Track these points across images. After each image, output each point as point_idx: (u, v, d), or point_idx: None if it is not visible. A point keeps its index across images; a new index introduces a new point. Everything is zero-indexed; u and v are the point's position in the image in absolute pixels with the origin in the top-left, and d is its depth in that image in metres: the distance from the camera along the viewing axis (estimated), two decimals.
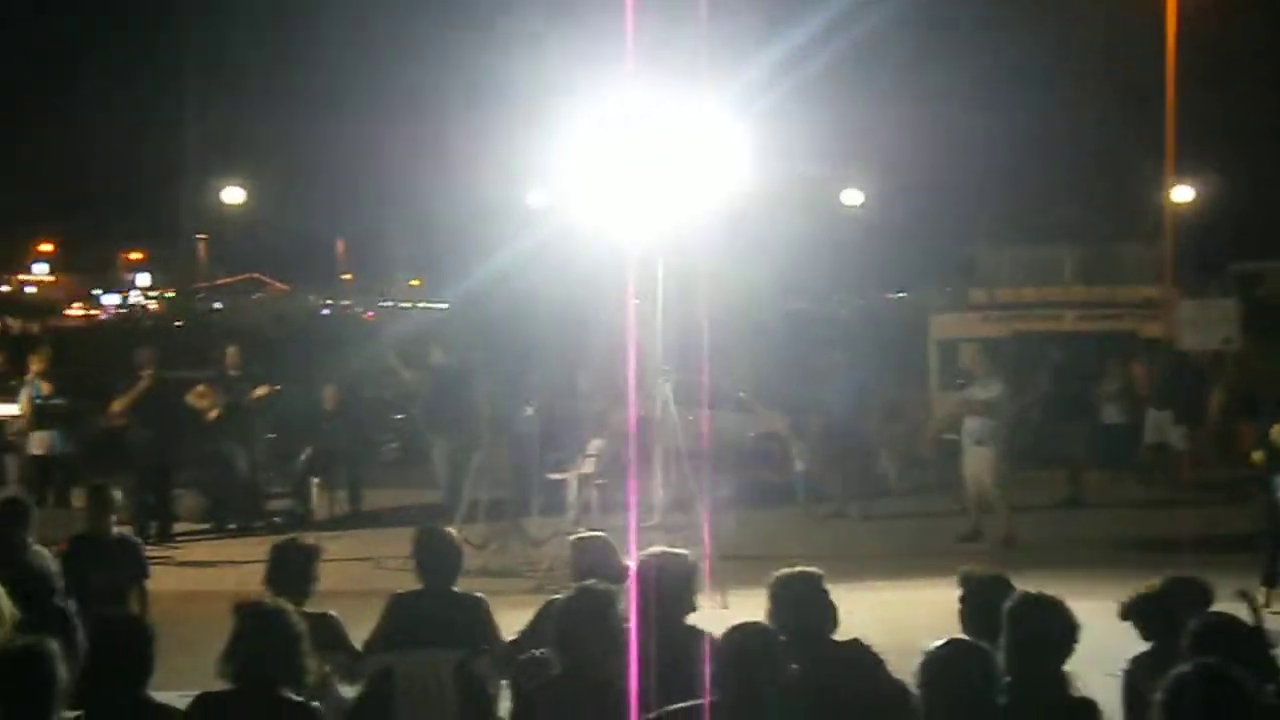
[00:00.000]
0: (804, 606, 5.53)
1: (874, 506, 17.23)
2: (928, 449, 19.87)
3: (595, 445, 17.01)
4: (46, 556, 8.10)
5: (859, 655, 5.61)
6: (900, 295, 45.74)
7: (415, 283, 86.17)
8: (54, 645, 4.84)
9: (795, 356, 23.45)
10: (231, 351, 16.68)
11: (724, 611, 10.46)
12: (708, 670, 4.87)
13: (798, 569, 5.66)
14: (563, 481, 16.69)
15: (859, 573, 12.19)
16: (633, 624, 5.40)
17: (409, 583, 8.85)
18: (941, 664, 4.59)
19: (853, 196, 37.67)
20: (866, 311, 40.87)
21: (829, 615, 5.63)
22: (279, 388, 17.18)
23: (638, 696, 5.03)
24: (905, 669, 5.54)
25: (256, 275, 77.18)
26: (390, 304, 74.76)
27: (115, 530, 9.19)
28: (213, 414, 15.97)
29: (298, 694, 5.14)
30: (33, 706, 4.73)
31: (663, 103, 12.07)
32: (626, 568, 6.63)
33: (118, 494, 9.27)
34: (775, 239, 25.58)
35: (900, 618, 10.61)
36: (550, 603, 5.99)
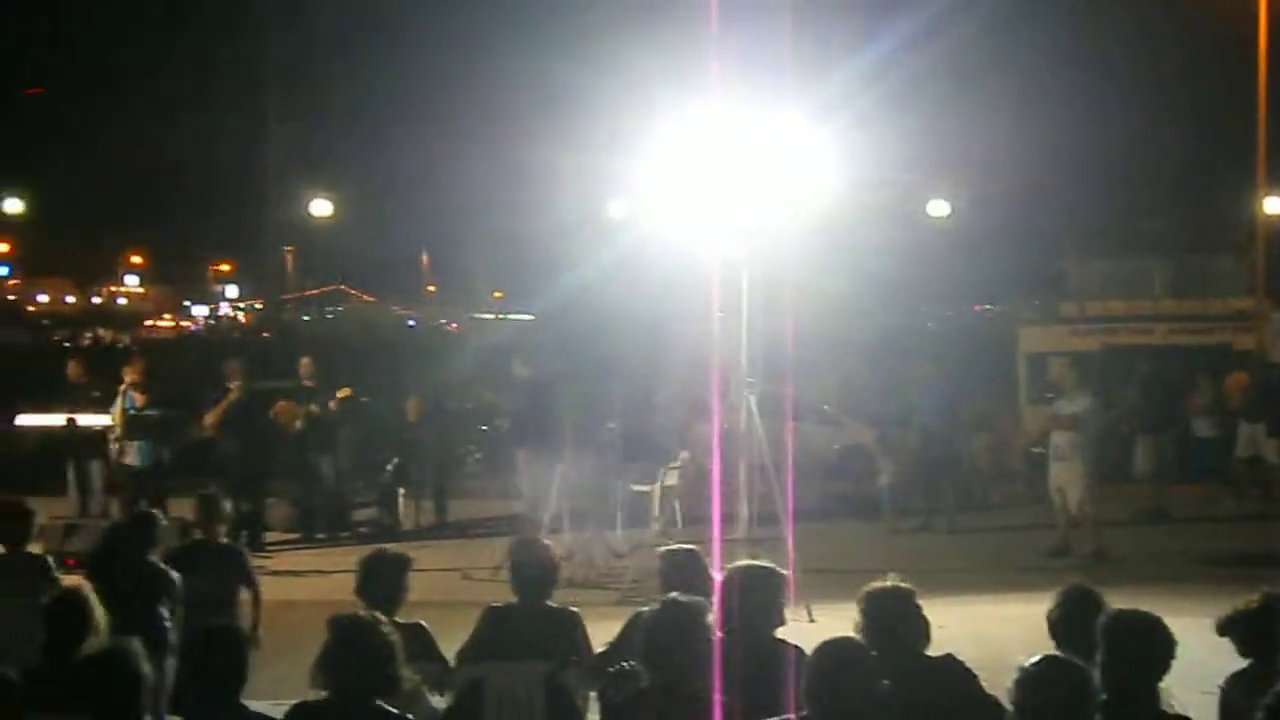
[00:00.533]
0: (896, 621, 5.47)
1: (961, 521, 17.07)
2: (1016, 462, 19.69)
3: (681, 457, 17.01)
4: (166, 571, 8.28)
5: (952, 670, 5.54)
6: (988, 308, 45.33)
7: (498, 295, 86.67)
8: (138, 646, 4.93)
9: (881, 369, 23.34)
10: (305, 363, 16.79)
11: (810, 625, 10.43)
12: (797, 685, 4.84)
13: (889, 583, 5.60)
14: (646, 494, 16.70)
15: (947, 587, 12.08)
16: (721, 637, 5.38)
17: (496, 593, 8.89)
18: (1038, 680, 4.52)
19: (939, 207, 37.37)
20: (954, 324, 40.57)
21: (921, 630, 5.56)
22: (352, 392, 17.27)
23: (727, 710, 5.01)
24: (998, 685, 5.48)
25: (342, 287, 78.05)
26: (475, 316, 75.24)
27: (223, 539, 9.37)
28: (297, 424, 16.13)
29: (391, 704, 5.17)
30: (119, 707, 4.81)
31: (747, 111, 12.05)
32: (714, 580, 6.62)
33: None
34: (861, 250, 25.47)
35: (990, 632, 10.52)
36: (638, 615, 5.99)
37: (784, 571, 5.86)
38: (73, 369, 16.16)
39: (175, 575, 8.30)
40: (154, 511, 8.66)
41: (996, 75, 38.09)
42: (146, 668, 4.89)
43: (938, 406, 17.16)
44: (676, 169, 12.27)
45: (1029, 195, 40.00)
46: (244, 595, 9.04)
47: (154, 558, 8.36)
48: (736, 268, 12.53)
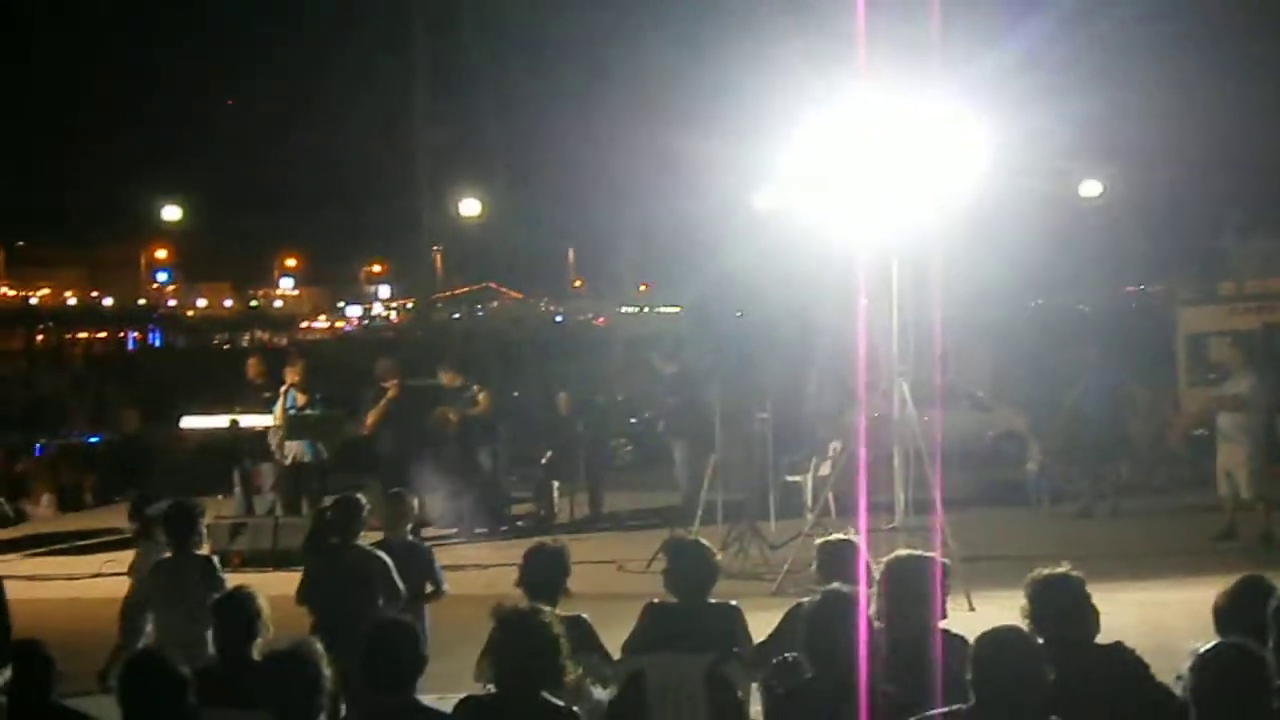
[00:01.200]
0: (1065, 609, 5.38)
1: (1123, 505, 16.74)
2: (1177, 446, 19.25)
3: (833, 447, 16.92)
4: (376, 554, 8.48)
5: (1123, 659, 5.44)
6: (1141, 289, 44.37)
7: (643, 288, 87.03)
8: (319, 647, 5.05)
9: (1034, 353, 22.98)
10: (447, 373, 16.79)
11: (970, 614, 10.32)
12: (960, 675, 4.79)
13: (1058, 570, 5.51)
14: (799, 484, 16.65)
15: (1109, 573, 11.84)
16: (883, 627, 5.35)
17: (651, 585, 8.91)
18: (1214, 667, 4.41)
19: (1091, 188, 36.60)
20: (1108, 306, 39.76)
21: (1091, 618, 5.47)
22: (488, 399, 17.41)
23: (891, 701, 4.98)
24: (1164, 671, 5.37)
25: (491, 284, 78.96)
26: (621, 310, 75.62)
27: (408, 536, 9.55)
28: (454, 420, 16.34)
29: (557, 697, 5.23)
30: (298, 707, 4.93)
31: (895, 98, 11.94)
32: (872, 570, 6.58)
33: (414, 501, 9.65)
34: (1012, 233, 25.06)
35: (1156, 619, 10.30)
36: (798, 606, 5.97)
37: (946, 561, 5.80)
38: (252, 367, 16.53)
39: (386, 558, 8.48)
40: (359, 496, 8.83)
41: (1150, 53, 37.18)
42: (328, 669, 5.01)
43: (1098, 390, 16.86)
44: (824, 157, 12.21)
45: (1184, 174, 39.04)
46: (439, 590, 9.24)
47: (361, 542, 8.56)
48: (886, 254, 12.43)
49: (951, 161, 11.87)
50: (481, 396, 16.80)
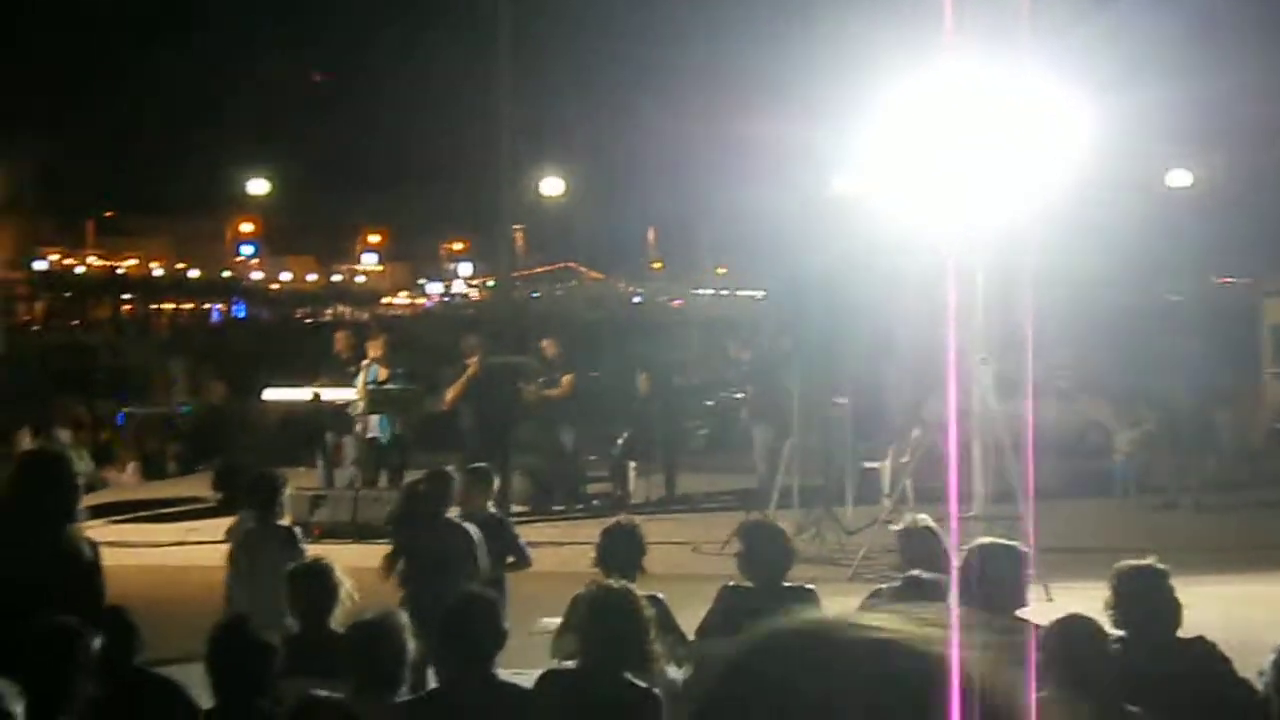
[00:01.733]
0: (1148, 601, 5.32)
1: (1207, 499, 16.51)
2: (1260, 439, 18.98)
3: (913, 435, 16.84)
4: (464, 527, 8.57)
5: (1206, 653, 5.38)
6: (1230, 280, 43.67)
7: (721, 270, 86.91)
8: (405, 619, 5.10)
9: (1120, 343, 22.71)
10: (548, 343, 17.00)
11: (1048, 604, 10.22)
12: (1036, 664, 4.75)
13: (1143, 562, 5.45)
14: (876, 470, 16.58)
15: (1192, 566, 11.65)
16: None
17: (725, 567, 8.92)
18: None
19: (1180, 177, 36.05)
20: (1195, 296, 39.18)
21: (1174, 611, 5.41)
22: (572, 383, 17.47)
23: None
24: (1247, 667, 5.30)
25: (571, 264, 79.16)
26: (698, 292, 75.53)
27: (490, 509, 9.61)
28: (536, 399, 16.40)
29: (639, 677, 5.24)
30: (380, 674, 4.99)
31: (981, 81, 11.80)
32: (951, 557, 6.53)
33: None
34: (1099, 221, 24.76)
35: (1240, 614, 10.14)
36: (876, 592, 5.95)
37: (1026, 549, 5.75)
38: (340, 341, 16.66)
39: (474, 531, 8.56)
40: (450, 470, 8.90)
41: (1240, 39, 36.54)
42: (412, 642, 5.06)
43: (1186, 381, 16.65)
44: (908, 139, 12.10)
45: (1273, 164, 38.35)
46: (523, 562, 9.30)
47: (451, 515, 8.63)
48: (970, 240, 12.31)
49: (1040, 144, 11.72)
50: (565, 379, 16.88)
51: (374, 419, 15.51)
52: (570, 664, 5.77)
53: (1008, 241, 12.54)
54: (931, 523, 7.00)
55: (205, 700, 5.30)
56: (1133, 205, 32.41)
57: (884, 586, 5.53)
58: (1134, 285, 38.55)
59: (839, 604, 7.11)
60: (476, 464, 10.35)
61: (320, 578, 6.34)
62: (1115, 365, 21.76)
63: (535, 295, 58.11)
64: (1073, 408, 21.65)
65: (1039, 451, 13.03)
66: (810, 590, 6.89)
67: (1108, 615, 5.35)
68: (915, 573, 5.41)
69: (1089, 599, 5.81)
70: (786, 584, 6.86)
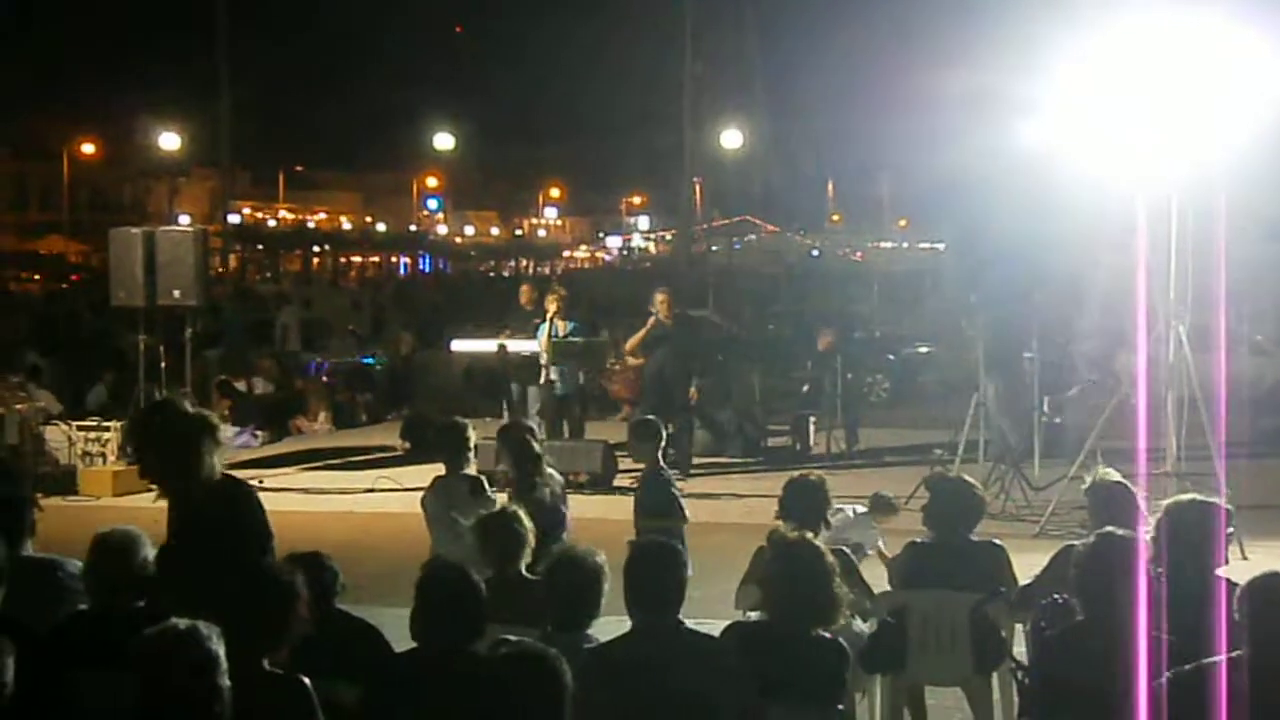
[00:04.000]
0: None
1: None
2: None
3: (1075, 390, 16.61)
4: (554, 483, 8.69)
5: None
6: None
7: (902, 223, 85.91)
8: (599, 557, 5.20)
9: None
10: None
11: (1243, 562, 9.94)
12: (1232, 624, 4.65)
13: None
14: (1060, 425, 16.26)
15: None
16: (1161, 572, 5.20)
17: (908, 523, 8.84)
18: None
19: None
20: None
21: None
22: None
23: (1168, 649, 4.85)
24: None
25: (749, 218, 78.92)
26: (879, 244, 74.79)
27: (659, 462, 9.64)
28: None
29: (826, 629, 5.25)
30: (580, 613, 5.12)
31: (1172, 24, 11.42)
32: (1143, 514, 6.40)
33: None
34: None
35: None
36: (1069, 548, 5.86)
37: (1227, 507, 5.59)
38: (524, 294, 16.86)
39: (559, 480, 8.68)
40: (522, 421, 9.02)
41: None
42: (607, 581, 5.15)
43: None
44: (1095, 87, 11.78)
45: None
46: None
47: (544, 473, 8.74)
48: (1164, 190, 11.97)
49: (1235, 90, 11.30)
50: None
51: (555, 370, 15.66)
52: (755, 615, 5.79)
53: (1203, 191, 12.15)
54: (1122, 479, 6.85)
55: (399, 645, 5.43)
56: None
57: (1077, 543, 5.41)
58: None
59: (1024, 561, 7.02)
60: (645, 416, 10.40)
61: (509, 525, 6.45)
62: None
63: (714, 249, 58.01)
64: (1269, 363, 20.98)
65: (1234, 407, 12.66)
66: (999, 546, 6.82)
67: None
68: (1109, 529, 5.29)
69: None
70: (974, 538, 6.78)
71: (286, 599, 4.80)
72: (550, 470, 8.89)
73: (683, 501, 9.39)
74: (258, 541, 5.77)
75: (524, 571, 6.33)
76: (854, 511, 9.25)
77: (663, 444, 9.57)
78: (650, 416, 10.41)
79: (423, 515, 8.85)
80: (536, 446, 8.81)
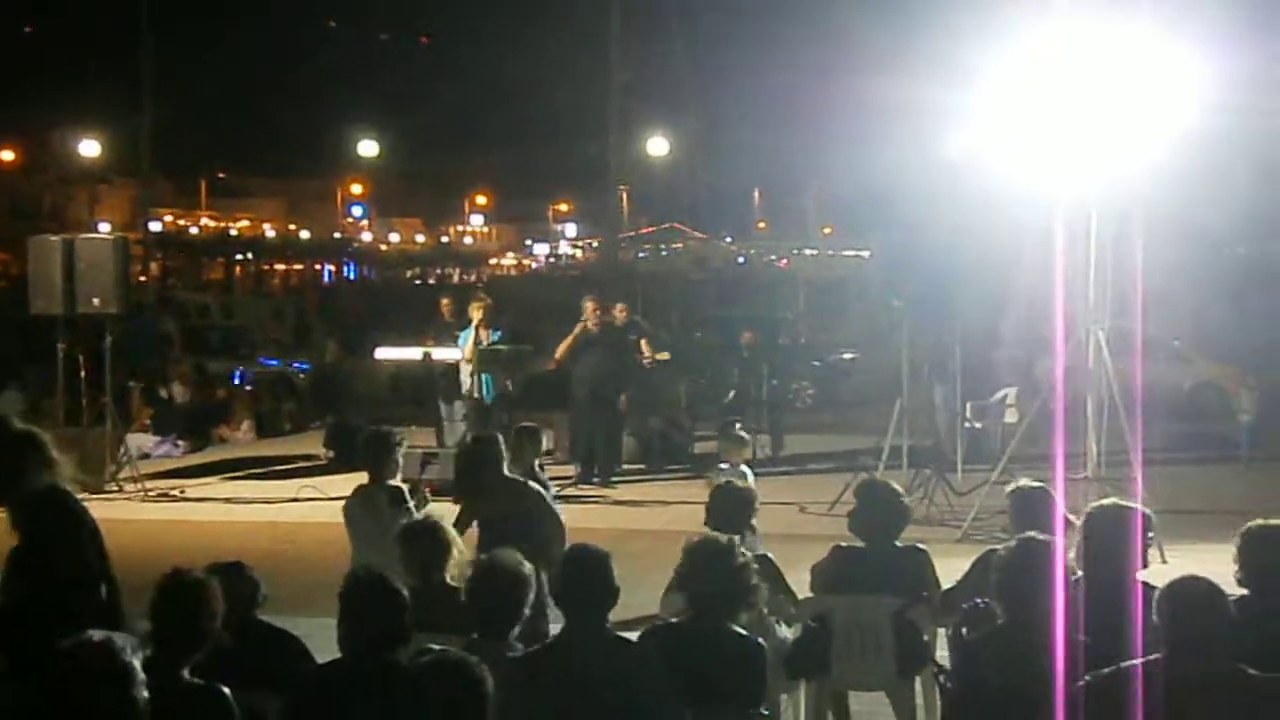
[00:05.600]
0: (1275, 561, 5.24)
1: None
2: None
3: (1009, 393, 16.75)
4: (527, 486, 8.64)
5: None
6: None
7: (827, 231, 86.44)
8: (521, 562, 5.18)
9: (1239, 302, 22.27)
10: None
11: (1163, 566, 10.07)
12: (1151, 628, 4.71)
13: (1274, 522, 5.36)
14: (983, 431, 16.42)
15: None
16: (1080, 576, 5.26)
17: (833, 528, 8.89)
18: None
19: None
20: None
21: None
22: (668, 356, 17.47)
23: (1087, 652, 4.90)
24: None
25: (676, 225, 79.16)
26: (803, 252, 75.20)
27: (536, 468, 9.64)
28: (647, 360, 16.37)
29: (743, 626, 5.27)
30: (500, 619, 5.10)
31: (1093, 32, 11.56)
32: (1067, 520, 6.46)
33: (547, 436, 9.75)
34: (1217, 176, 24.25)
35: None
36: (990, 552, 5.90)
37: (1148, 512, 5.66)
38: (445, 307, 16.81)
39: (539, 489, 8.62)
40: (494, 433, 8.95)
41: None
42: (531, 594, 5.13)
43: None
44: (1019, 98, 11.90)
45: None
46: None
47: (510, 474, 8.67)
48: (1083, 198, 12.11)
49: (1154, 100, 11.47)
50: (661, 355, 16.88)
51: (484, 379, 15.61)
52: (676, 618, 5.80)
53: (1122, 199, 12.32)
54: (1043, 484, 6.92)
55: (321, 654, 5.38)
56: (1253, 159, 31.62)
57: (999, 548, 5.46)
58: (1252, 243, 37.69)
59: (947, 565, 7.07)
60: (525, 423, 10.37)
61: (431, 534, 6.41)
62: (1232, 326, 21.35)
63: (641, 255, 58.12)
64: (1187, 369, 21.31)
65: (1153, 413, 12.84)
66: (923, 551, 6.86)
67: (1234, 575, 5.28)
68: (1031, 533, 5.34)
69: (1205, 560, 5.70)
70: (898, 544, 6.82)
71: (193, 606, 4.76)
72: (529, 481, 8.82)
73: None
74: (80, 551, 5.69)
75: (448, 579, 6.30)
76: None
77: (540, 450, 9.51)
78: (529, 424, 10.37)
79: (345, 524, 8.76)
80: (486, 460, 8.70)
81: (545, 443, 9.79)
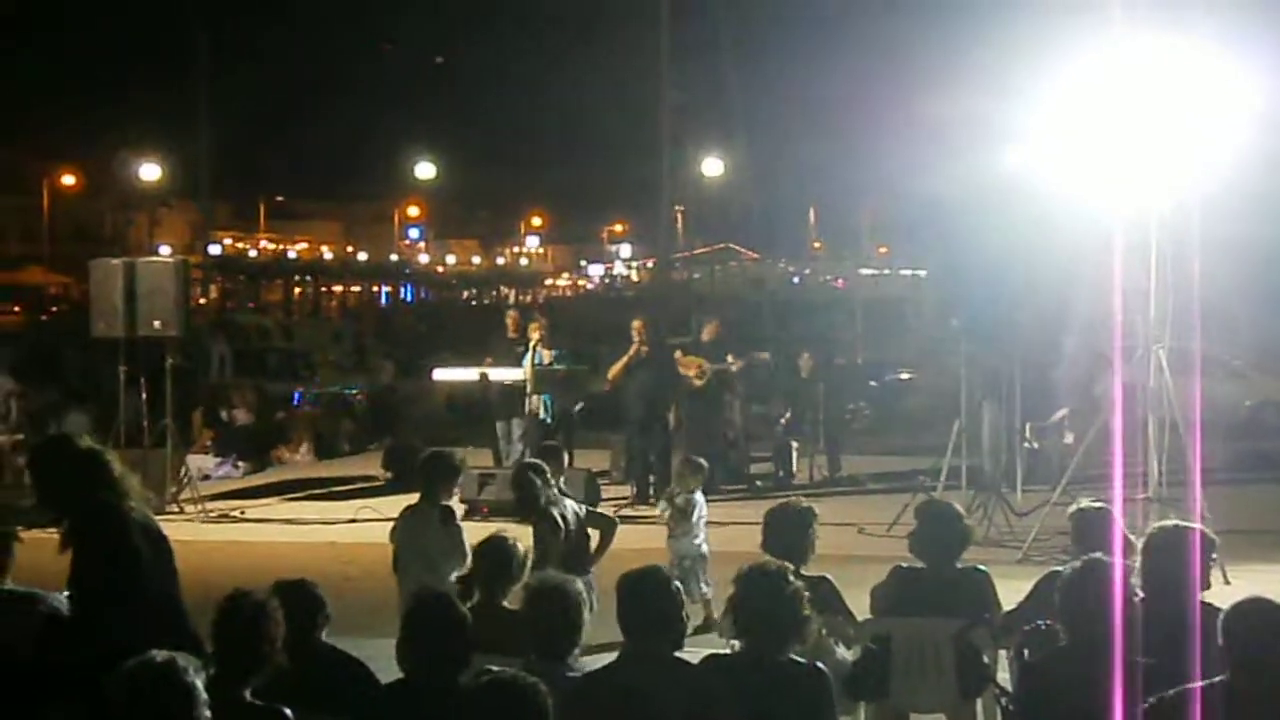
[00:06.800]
0: None
1: None
2: None
3: (1061, 413, 16.65)
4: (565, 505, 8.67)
5: None
6: None
7: (882, 250, 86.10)
8: (577, 585, 5.19)
9: None
10: (711, 326, 17.04)
11: (1226, 587, 9.95)
12: (1215, 649, 4.65)
13: None
14: (1040, 451, 16.31)
15: None
16: (1143, 598, 5.20)
17: (892, 549, 8.84)
18: None
19: None
20: None
21: None
22: (756, 360, 17.49)
23: (1148, 673, 4.85)
24: None
25: (731, 245, 79.06)
26: (861, 272, 74.90)
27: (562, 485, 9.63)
28: (699, 381, 16.39)
29: (800, 653, 5.23)
30: (558, 642, 5.10)
31: (1154, 48, 11.48)
32: (1129, 540, 6.40)
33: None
34: (1277, 194, 24.02)
35: None
36: (1053, 573, 5.85)
37: (1211, 534, 5.60)
38: (510, 323, 16.90)
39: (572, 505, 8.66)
40: (534, 461, 9.02)
41: None
42: (588, 611, 5.12)
43: None
44: (1078, 113, 11.84)
45: None
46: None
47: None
48: (1143, 216, 12.01)
49: (1217, 116, 11.37)
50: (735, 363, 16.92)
51: (539, 398, 15.66)
52: (738, 644, 5.78)
53: (1184, 216, 12.21)
54: (1104, 504, 6.86)
55: (382, 676, 5.40)
56: None
57: (1061, 569, 5.42)
58: None
59: (1007, 587, 7.02)
60: (548, 442, 10.38)
61: (504, 550, 6.43)
62: None
63: (695, 276, 58.11)
64: (1248, 387, 21.08)
65: (1214, 432, 12.70)
66: (984, 572, 6.81)
67: None
68: (1096, 554, 5.29)
69: (1269, 582, 5.63)
70: (959, 565, 6.78)
71: (254, 627, 4.79)
72: (568, 501, 8.86)
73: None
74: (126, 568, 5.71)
75: (505, 602, 6.31)
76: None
77: (561, 468, 9.45)
78: (552, 442, 10.36)
79: (392, 542, 8.82)
80: (540, 482, 8.72)
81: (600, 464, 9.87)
